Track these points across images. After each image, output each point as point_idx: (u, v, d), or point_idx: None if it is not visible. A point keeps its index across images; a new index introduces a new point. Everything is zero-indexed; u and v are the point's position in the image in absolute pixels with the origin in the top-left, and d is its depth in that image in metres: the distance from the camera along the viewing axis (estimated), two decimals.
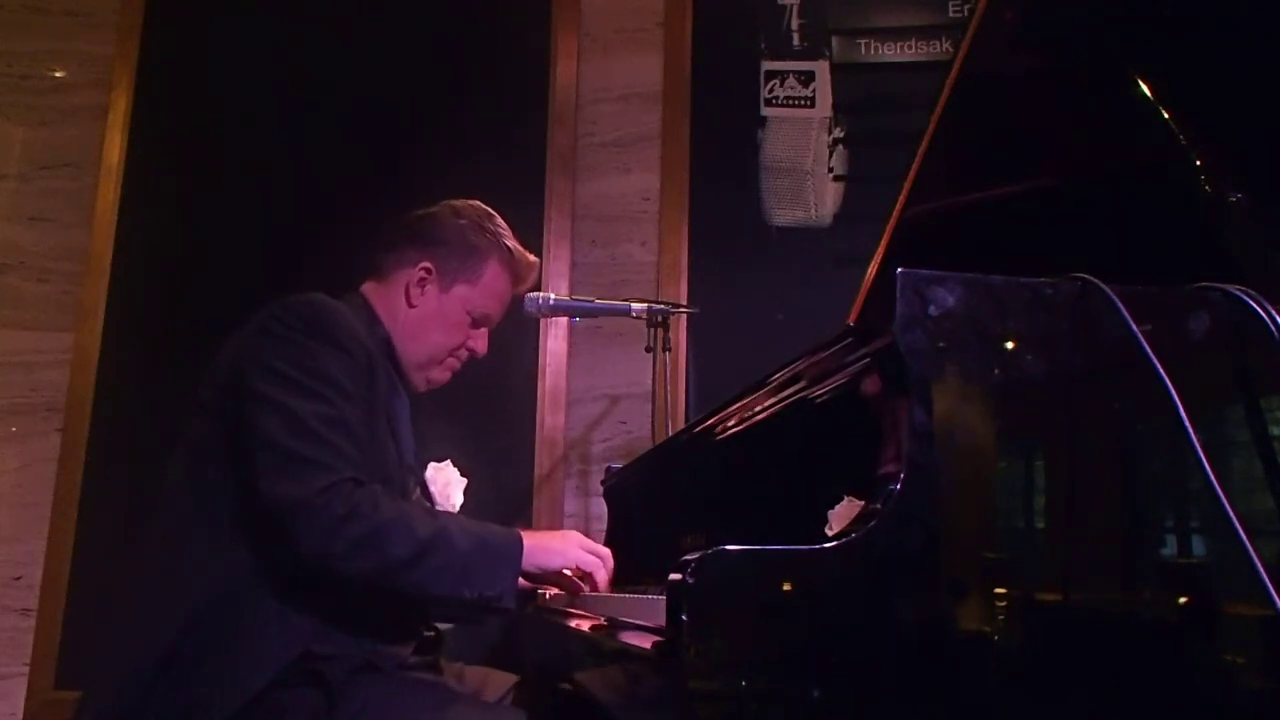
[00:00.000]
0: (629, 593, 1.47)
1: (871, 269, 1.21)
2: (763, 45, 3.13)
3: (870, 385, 1.08)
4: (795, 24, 3.13)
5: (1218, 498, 0.93)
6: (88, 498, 2.90)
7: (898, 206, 1.23)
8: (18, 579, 2.87)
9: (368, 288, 1.69)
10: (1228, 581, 0.99)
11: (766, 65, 3.12)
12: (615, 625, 1.21)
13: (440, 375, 1.71)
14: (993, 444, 1.01)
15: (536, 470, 2.92)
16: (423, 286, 1.66)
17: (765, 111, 3.10)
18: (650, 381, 2.42)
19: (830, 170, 3.05)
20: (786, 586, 0.91)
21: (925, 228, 1.24)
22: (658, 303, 2.40)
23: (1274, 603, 0.90)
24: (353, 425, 1.43)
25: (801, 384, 1.25)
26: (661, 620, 0.93)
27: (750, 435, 1.46)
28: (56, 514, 2.89)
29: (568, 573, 1.51)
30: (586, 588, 1.50)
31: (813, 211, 3.03)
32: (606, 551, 1.52)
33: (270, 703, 1.34)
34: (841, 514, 1.12)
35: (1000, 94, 1.38)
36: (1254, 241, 1.28)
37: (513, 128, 3.10)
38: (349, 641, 1.43)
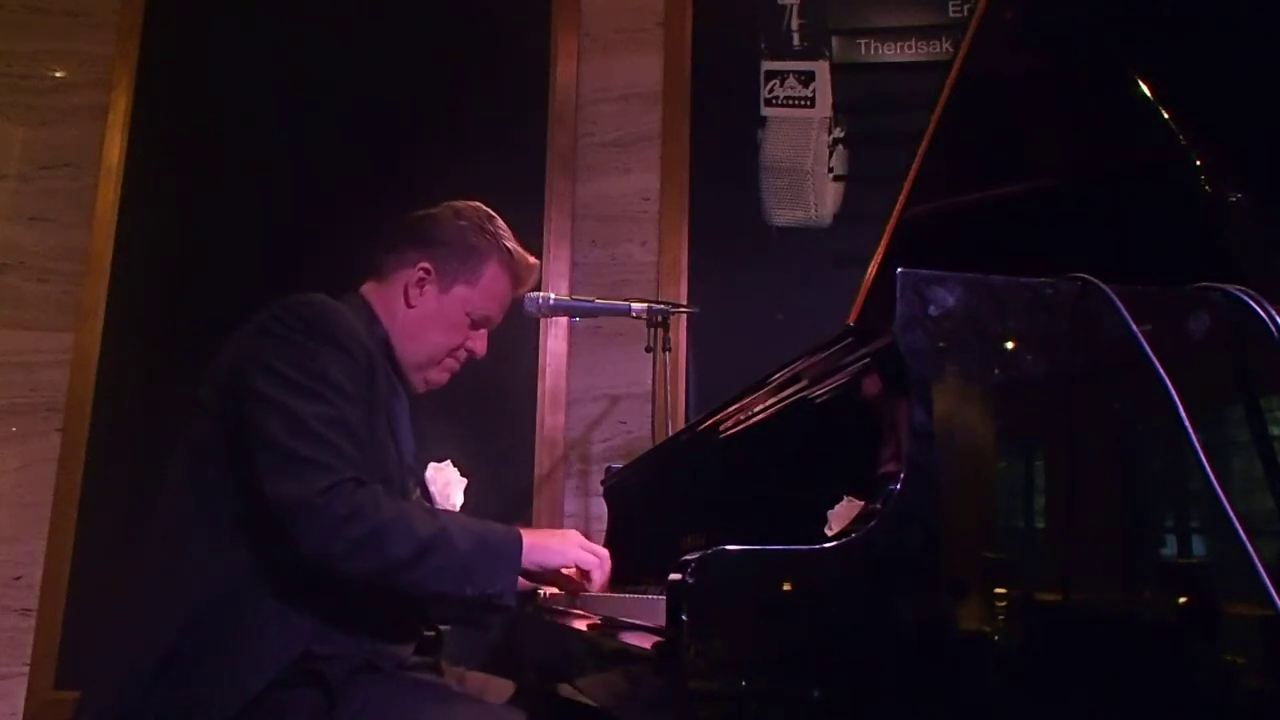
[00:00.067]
0: (629, 593, 1.47)
1: (871, 269, 1.21)
2: (763, 45, 3.13)
3: (870, 385, 1.08)
4: (795, 24, 3.13)
5: (1218, 498, 0.93)
6: (88, 498, 2.90)
7: (898, 206, 1.23)
8: (18, 579, 2.87)
9: (368, 288, 1.69)
10: (1228, 581, 0.99)
11: (766, 65, 3.12)
12: (615, 625, 1.21)
13: (439, 376, 1.71)
14: (993, 444, 1.01)
15: (536, 470, 2.92)
16: (421, 287, 1.66)
17: (765, 111, 3.10)
18: (650, 381, 2.42)
19: (830, 170, 3.05)
20: (786, 586, 0.91)
21: (925, 228, 1.24)
22: (658, 303, 2.40)
23: (1274, 603, 0.90)
24: (353, 426, 1.43)
25: (801, 384, 1.25)
26: (661, 620, 0.93)
27: (750, 435, 1.46)
28: (56, 514, 2.89)
29: (566, 571, 1.51)
30: (585, 586, 1.50)
31: (813, 211, 3.03)
32: (604, 552, 1.52)
33: (270, 703, 1.34)
34: (841, 514, 1.12)
35: (1000, 94, 1.38)
36: (1254, 241, 1.28)
37: (513, 128, 3.11)
38: (349, 641, 1.43)
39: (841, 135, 3.06)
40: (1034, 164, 1.38)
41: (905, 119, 2.88)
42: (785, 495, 1.41)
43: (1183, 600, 1.00)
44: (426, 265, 1.66)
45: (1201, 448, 0.94)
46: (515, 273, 1.74)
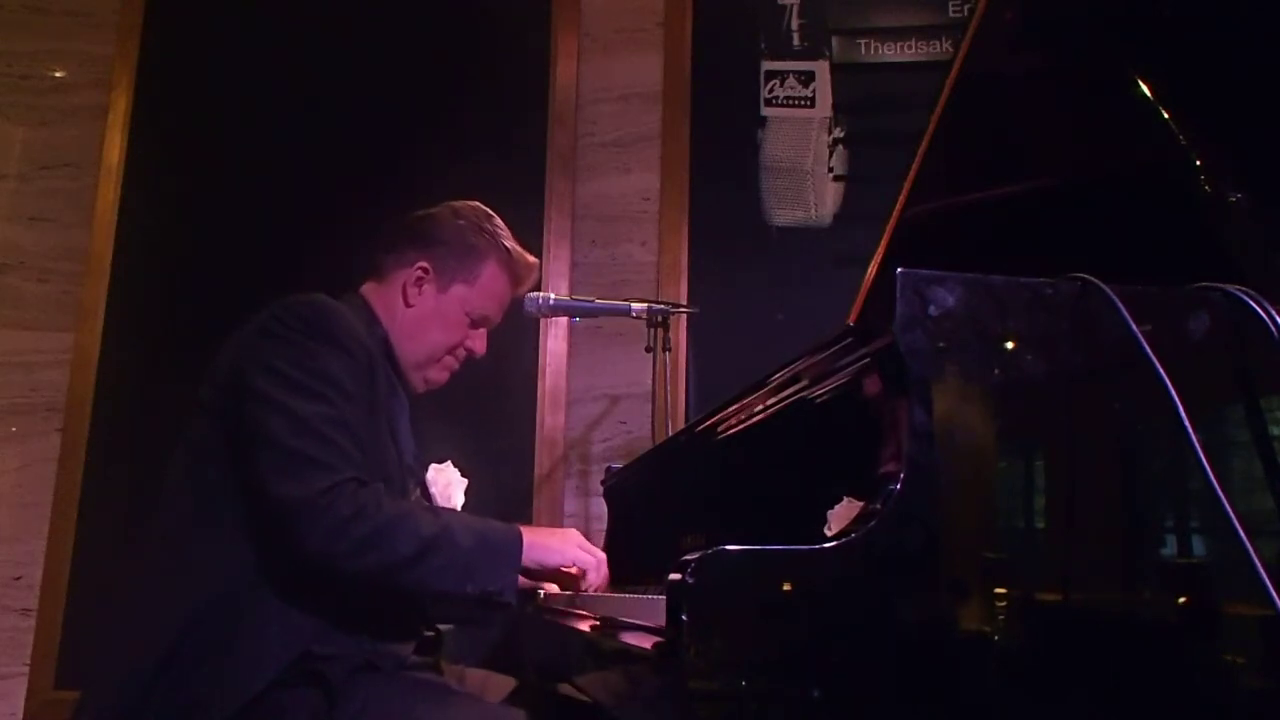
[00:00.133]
0: (629, 593, 1.47)
1: (871, 269, 1.21)
2: (763, 45, 3.14)
3: (870, 385, 1.08)
4: (795, 24, 3.13)
5: (1218, 498, 0.93)
6: (88, 498, 2.90)
7: (898, 206, 1.23)
8: (18, 579, 2.88)
9: (367, 288, 1.69)
10: (1228, 581, 0.99)
11: (766, 65, 3.12)
12: (615, 625, 1.21)
13: (438, 375, 1.71)
14: (993, 444, 1.01)
15: (536, 470, 2.92)
16: (420, 286, 1.66)
17: (765, 111, 3.10)
18: (650, 381, 2.42)
19: (830, 170, 3.05)
20: (786, 586, 0.91)
21: (925, 228, 1.24)
22: (658, 303, 2.40)
23: (1274, 603, 0.90)
24: (354, 426, 1.43)
25: (801, 384, 1.25)
26: (661, 620, 0.93)
27: (750, 435, 1.46)
28: (56, 514, 2.89)
29: (565, 569, 1.51)
30: (582, 584, 1.51)
31: (813, 211, 3.03)
32: (602, 555, 1.53)
33: (270, 703, 1.34)
34: (841, 514, 1.12)
35: (1000, 94, 1.38)
36: (1254, 241, 1.28)
37: (513, 128, 3.11)
38: (349, 641, 1.43)
39: (841, 135, 3.06)
40: (1034, 164, 1.38)
41: (905, 119, 2.88)
42: (785, 495, 1.41)
43: (1183, 600, 1.00)
44: (425, 265, 1.66)
45: (1201, 448, 0.94)
46: (514, 272, 1.74)
